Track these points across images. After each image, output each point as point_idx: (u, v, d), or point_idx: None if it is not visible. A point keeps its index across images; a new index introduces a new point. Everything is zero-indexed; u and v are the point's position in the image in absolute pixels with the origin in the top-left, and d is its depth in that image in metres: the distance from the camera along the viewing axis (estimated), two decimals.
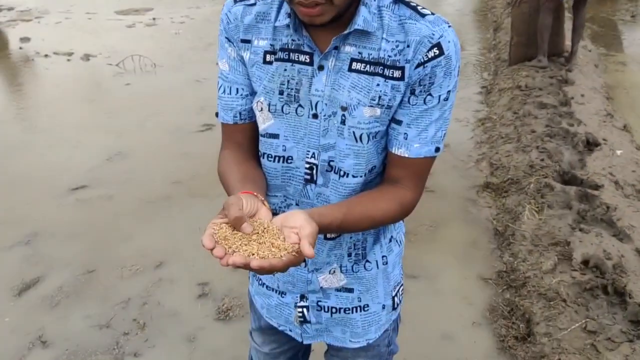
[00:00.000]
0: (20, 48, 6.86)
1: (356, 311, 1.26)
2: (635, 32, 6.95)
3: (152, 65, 5.90)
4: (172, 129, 4.44)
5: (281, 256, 0.84)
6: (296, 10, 0.95)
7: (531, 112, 4.00)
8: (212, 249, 0.84)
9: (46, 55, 6.40)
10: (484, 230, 3.05)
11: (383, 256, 1.23)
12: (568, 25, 5.05)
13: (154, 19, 8.09)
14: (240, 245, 0.85)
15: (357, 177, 1.09)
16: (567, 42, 4.98)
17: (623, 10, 7.84)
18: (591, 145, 3.56)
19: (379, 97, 1.01)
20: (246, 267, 0.83)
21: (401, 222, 1.29)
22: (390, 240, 1.25)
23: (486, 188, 3.41)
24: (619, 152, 3.52)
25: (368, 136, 1.04)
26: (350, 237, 1.18)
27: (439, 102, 1.02)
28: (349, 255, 1.20)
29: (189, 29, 7.52)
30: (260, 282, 1.32)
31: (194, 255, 2.89)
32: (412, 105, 1.02)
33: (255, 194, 0.97)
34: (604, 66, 5.55)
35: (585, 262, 2.54)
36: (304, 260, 0.99)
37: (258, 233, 0.87)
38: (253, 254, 0.84)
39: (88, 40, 6.97)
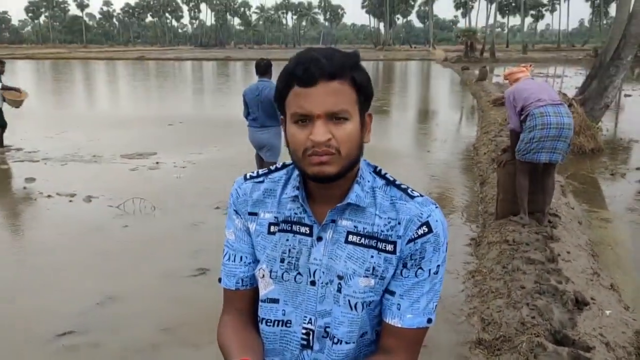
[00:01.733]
0: (24, 188, 7.10)
1: None
2: (616, 188, 7.29)
3: (152, 207, 6.08)
4: (166, 273, 4.47)
5: None
6: (308, 165, 1.05)
7: (520, 268, 4.08)
8: None
9: (49, 196, 6.60)
10: None
11: None
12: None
13: (157, 162, 8.48)
14: None
15: (349, 343, 1.14)
16: (553, 200, 5.22)
17: (602, 168, 8.31)
18: (580, 304, 3.59)
19: (373, 268, 1.10)
20: None
21: None
22: None
23: (478, 345, 3.38)
24: (608, 312, 3.55)
25: (362, 305, 1.12)
26: None
27: (429, 275, 1.11)
28: None
29: (190, 174, 7.85)
30: None
31: None
32: (404, 277, 1.11)
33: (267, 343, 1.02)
34: (587, 222, 5.76)
35: None
36: None
37: None
38: None
39: (92, 182, 7.24)
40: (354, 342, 1.14)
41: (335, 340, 1.14)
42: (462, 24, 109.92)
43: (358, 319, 1.13)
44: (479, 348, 3.36)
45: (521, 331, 3.30)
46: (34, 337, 3.49)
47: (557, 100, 4.73)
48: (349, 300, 1.12)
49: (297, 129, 1.04)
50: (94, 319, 3.74)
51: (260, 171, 1.25)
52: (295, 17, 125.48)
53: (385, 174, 1.18)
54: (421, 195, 1.14)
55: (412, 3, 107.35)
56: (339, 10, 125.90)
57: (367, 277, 1.11)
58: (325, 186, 1.09)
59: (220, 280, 1.27)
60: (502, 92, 14.85)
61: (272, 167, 1.25)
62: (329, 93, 1.01)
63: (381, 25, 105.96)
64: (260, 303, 1.21)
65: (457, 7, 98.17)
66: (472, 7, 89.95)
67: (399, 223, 1.10)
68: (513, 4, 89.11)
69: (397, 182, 1.16)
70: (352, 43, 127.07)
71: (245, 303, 1.24)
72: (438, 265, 1.12)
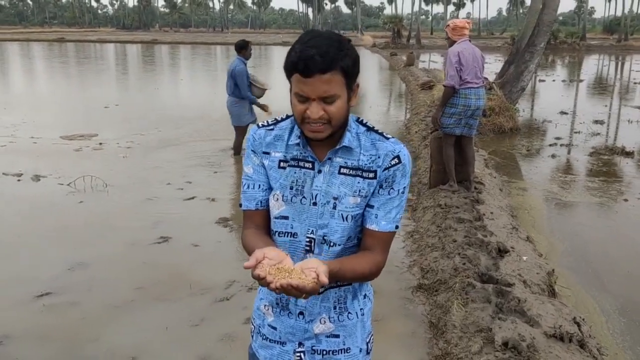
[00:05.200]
0: None
1: (341, 353, 1.67)
2: (532, 163, 8.17)
3: (104, 185, 6.24)
4: (130, 241, 4.74)
5: (307, 283, 1.30)
6: (305, 129, 1.48)
7: (451, 226, 4.69)
8: (264, 277, 1.29)
9: None
10: (420, 323, 3.53)
11: (360, 309, 1.69)
12: (476, 156, 6.01)
13: (100, 143, 8.53)
14: (279, 277, 1.31)
15: (340, 245, 1.58)
16: (476, 170, 5.91)
17: (519, 145, 9.20)
18: (502, 252, 4.24)
19: (359, 190, 1.55)
20: (287, 286, 1.28)
21: (370, 286, 1.77)
22: (364, 297, 1.71)
23: (419, 288, 3.94)
24: (524, 258, 4.22)
25: (351, 217, 1.56)
26: (335, 293, 1.63)
27: (398, 194, 1.57)
28: (334, 308, 1.64)
29: (136, 153, 8.00)
30: (264, 337, 1.72)
31: (165, 350, 3.14)
32: (380, 195, 1.56)
33: (280, 249, 1.44)
34: (507, 191, 6.50)
35: (505, 344, 3.05)
36: (319, 292, 1.41)
37: (288, 271, 1.33)
38: (290, 280, 1.29)
39: (37, 163, 7.26)
40: (343, 244, 1.59)
41: (331, 244, 1.58)
42: (388, 10, 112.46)
43: (347, 228, 1.57)
44: (419, 291, 3.93)
45: (454, 275, 3.89)
46: (14, 299, 3.71)
47: (479, 81, 5.39)
48: (341, 214, 1.56)
49: (297, 102, 1.47)
50: (68, 281, 3.99)
51: (270, 121, 1.66)
52: (222, 0, 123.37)
53: (366, 122, 1.62)
54: (393, 137, 1.60)
55: None
56: None
57: (354, 196, 1.55)
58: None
59: (240, 205, 1.68)
60: (428, 77, 15.72)
61: (279, 117, 1.66)
62: (322, 83, 1.42)
63: (309, 10, 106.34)
64: (273, 220, 1.63)
65: None
66: None
67: (379, 157, 1.55)
68: None
69: (375, 128, 1.61)
70: (280, 28, 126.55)
71: (262, 220, 1.65)
72: (404, 187, 1.58)
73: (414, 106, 12.15)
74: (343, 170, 1.54)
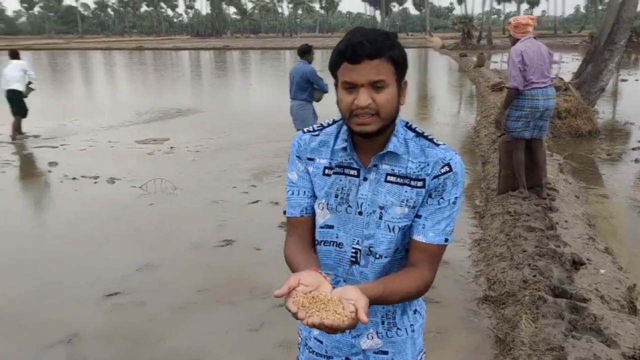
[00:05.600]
0: (49, 171, 7.46)
1: None
2: (613, 168, 7.68)
3: (173, 187, 6.44)
4: (195, 244, 4.85)
5: (343, 320, 1.20)
6: (353, 123, 1.40)
7: (521, 235, 4.47)
8: (295, 313, 1.21)
9: (74, 178, 6.96)
10: (485, 337, 3.37)
11: (410, 324, 1.60)
12: (550, 161, 5.71)
13: (171, 147, 8.83)
14: (314, 311, 1.22)
15: (387, 258, 1.50)
16: (550, 175, 5.61)
17: (599, 149, 8.68)
18: (577, 264, 3.98)
19: (407, 199, 1.46)
20: (320, 325, 1.19)
21: (422, 300, 1.67)
22: (415, 312, 1.62)
23: (485, 300, 3.77)
24: (602, 271, 3.94)
25: (399, 228, 1.48)
26: (383, 307, 1.55)
27: (448, 204, 1.47)
28: (383, 323, 1.57)
29: (204, 157, 8.21)
30: (310, 350, 1.67)
31: (224, 354, 3.16)
32: (429, 204, 1.47)
33: (319, 271, 1.35)
34: (585, 198, 6.14)
35: None
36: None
37: (324, 302, 1.23)
38: (323, 318, 1.20)
39: (112, 166, 7.60)
40: (390, 257, 1.51)
41: (377, 256, 1.50)
42: (457, 11, 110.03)
43: (394, 239, 1.49)
44: (485, 303, 3.76)
45: (523, 288, 3.69)
46: (85, 297, 3.87)
47: (546, 80, 5.10)
48: (388, 225, 1.48)
49: (345, 94, 1.40)
50: (136, 282, 4.12)
51: (315, 126, 1.60)
52: (290, 5, 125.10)
53: (415, 127, 1.53)
54: (444, 144, 1.50)
55: None
56: None
57: (401, 206, 1.47)
58: (368, 139, 1.45)
59: (284, 212, 1.64)
60: (500, 78, 15.21)
61: (325, 123, 1.61)
62: (371, 68, 1.36)
63: (377, 13, 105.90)
64: (318, 229, 1.57)
65: None
66: None
67: (428, 164, 1.46)
68: None
69: (425, 134, 1.52)
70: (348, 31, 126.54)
71: (305, 228, 1.59)
72: (456, 197, 1.47)
73: (483, 108, 11.77)
74: (390, 178, 1.46)
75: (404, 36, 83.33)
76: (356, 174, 1.49)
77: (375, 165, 1.47)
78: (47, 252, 4.73)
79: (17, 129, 9.73)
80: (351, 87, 1.37)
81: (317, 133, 1.56)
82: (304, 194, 1.56)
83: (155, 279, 4.20)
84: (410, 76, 24.86)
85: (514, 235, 4.52)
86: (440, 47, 45.13)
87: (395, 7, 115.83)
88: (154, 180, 6.59)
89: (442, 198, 1.45)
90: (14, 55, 10.02)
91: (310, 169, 1.54)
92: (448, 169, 1.44)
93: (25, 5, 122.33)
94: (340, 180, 1.50)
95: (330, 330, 1.20)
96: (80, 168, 7.44)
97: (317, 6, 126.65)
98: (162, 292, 3.98)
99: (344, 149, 1.49)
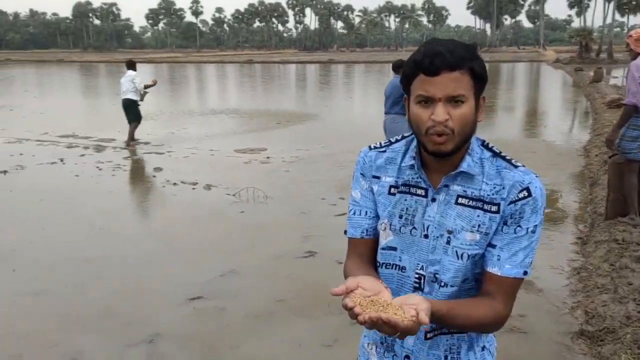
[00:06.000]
0: (154, 176, 7.94)
1: None
2: None
3: (264, 196, 6.58)
4: (278, 253, 4.89)
5: (402, 320, 1.10)
6: (427, 141, 1.29)
7: (628, 266, 4.04)
8: (352, 308, 1.12)
9: (175, 184, 7.35)
10: None
11: None
12: None
13: (267, 157, 9.06)
14: (371, 310, 1.12)
15: (454, 287, 1.37)
16: None
17: None
18: None
19: (479, 225, 1.32)
20: (377, 320, 1.09)
21: (492, 336, 1.52)
22: (483, 349, 1.46)
23: (581, 335, 3.43)
24: None
25: (468, 256, 1.34)
26: (447, 340, 1.41)
27: (527, 233, 1.31)
28: (446, 357, 1.42)
29: (298, 168, 8.33)
30: None
31: None
32: (504, 233, 1.32)
33: (379, 279, 1.27)
34: None
35: None
36: (419, 333, 1.23)
37: (383, 305, 1.14)
38: (381, 313, 1.10)
39: (210, 173, 7.94)
40: (457, 286, 1.37)
41: (442, 284, 1.37)
42: (576, 23, 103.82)
43: (463, 267, 1.35)
44: (581, 338, 3.42)
45: (626, 324, 3.32)
46: (170, 299, 4.02)
47: None
48: (456, 251, 1.34)
49: (420, 108, 1.29)
50: (219, 287, 4.22)
51: (382, 142, 1.50)
52: (398, 19, 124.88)
53: (492, 147, 1.40)
54: (523, 166, 1.35)
55: (522, 3, 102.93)
56: (443, 12, 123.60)
57: (472, 232, 1.33)
58: (440, 158, 1.33)
59: (345, 232, 1.55)
60: (619, 94, 14.08)
61: (392, 139, 1.50)
62: (449, 81, 1.25)
63: (487, 26, 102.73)
64: (380, 250, 1.46)
65: (570, 6, 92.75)
66: (588, 5, 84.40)
67: (503, 188, 1.32)
68: (634, 2, 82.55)
69: (502, 154, 1.38)
70: None
71: (367, 249, 1.50)
72: (535, 225, 1.32)
73: (597, 126, 10.93)
74: (461, 200, 1.34)
75: (514, 50, 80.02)
76: (424, 193, 1.37)
77: (446, 186, 1.35)
78: (141, 253, 4.99)
79: (131, 136, 10.48)
80: (427, 101, 1.27)
81: (384, 149, 1.47)
82: (366, 214, 1.47)
83: (238, 285, 4.28)
84: (520, 91, 23.80)
85: (620, 265, 4.10)
86: (554, 61, 42.80)
87: (507, 20, 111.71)
88: (247, 188, 6.78)
89: (519, 226, 1.31)
90: (130, 66, 10.82)
91: (375, 187, 1.45)
92: (527, 194, 1.30)
93: (150, 21, 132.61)
94: (406, 200, 1.40)
95: (389, 327, 1.10)
96: (181, 174, 7.84)
97: (424, 20, 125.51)
98: (242, 299, 4.05)
99: (412, 166, 1.39)
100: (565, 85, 25.17)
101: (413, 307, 1.14)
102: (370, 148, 1.50)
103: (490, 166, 1.35)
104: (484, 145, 1.39)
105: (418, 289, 1.40)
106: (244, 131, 12.15)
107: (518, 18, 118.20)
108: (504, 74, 36.19)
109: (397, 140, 1.47)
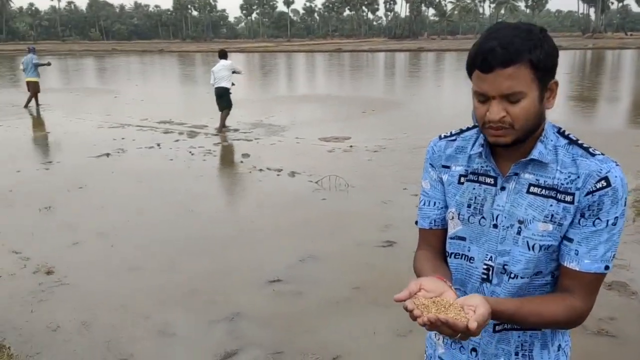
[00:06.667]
0: (242, 162, 8.24)
1: None
2: None
3: (346, 185, 6.64)
4: (358, 241, 4.93)
5: (462, 321, 1.09)
6: (486, 133, 1.28)
7: None
8: (411, 310, 1.13)
9: (261, 170, 7.59)
10: None
11: None
12: None
13: (351, 146, 9.11)
14: (432, 311, 1.13)
15: (524, 279, 1.32)
16: None
17: None
18: None
19: (552, 215, 1.27)
20: (436, 321, 1.09)
21: (568, 335, 1.46)
22: (558, 349, 1.40)
23: None
24: None
25: (540, 247, 1.29)
26: (519, 336, 1.37)
27: (607, 225, 1.25)
28: (516, 354, 1.38)
29: (380, 157, 8.31)
30: None
31: (368, 355, 3.17)
32: (582, 226, 1.26)
33: (443, 279, 1.25)
34: None
35: None
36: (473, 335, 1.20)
37: (445, 306, 1.14)
38: (439, 315, 1.11)
39: (295, 160, 8.11)
40: (528, 278, 1.32)
41: (512, 275, 1.33)
42: None
43: (534, 258, 1.30)
44: None
45: None
46: (251, 281, 4.19)
47: None
48: (527, 242, 1.30)
49: (478, 103, 1.26)
50: (298, 272, 4.33)
51: (454, 131, 1.48)
52: (493, 5, 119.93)
53: (569, 134, 1.33)
54: (602, 154, 1.27)
55: None
56: None
57: (545, 222, 1.27)
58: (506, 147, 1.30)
59: (416, 222, 1.54)
60: None
61: (464, 127, 1.48)
62: (503, 78, 1.19)
63: (592, 10, 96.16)
64: (449, 240, 1.45)
65: None
66: None
67: (579, 177, 1.25)
68: None
69: (579, 142, 1.30)
70: (555, 31, 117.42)
71: (436, 240, 1.49)
72: (616, 217, 1.24)
73: None
74: (533, 189, 1.29)
75: (621, 36, 74.42)
76: (493, 182, 1.34)
77: (516, 174, 1.31)
78: (226, 235, 5.22)
79: (223, 123, 10.91)
80: (483, 97, 1.24)
81: (454, 138, 1.45)
82: (434, 205, 1.46)
83: (316, 271, 4.37)
84: (625, 81, 22.15)
85: None
86: None
87: (614, 4, 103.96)
88: (329, 176, 6.86)
89: (598, 219, 1.25)
90: (223, 55, 11.23)
91: (445, 177, 1.43)
92: (605, 184, 1.23)
93: (244, 12, 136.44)
94: (474, 188, 1.37)
95: (448, 328, 1.10)
96: (267, 161, 8.07)
97: (522, 5, 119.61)
98: (320, 284, 4.13)
99: (480, 154, 1.36)
100: None
101: (472, 309, 1.13)
102: (440, 137, 1.48)
103: (566, 154, 1.29)
104: (560, 132, 1.33)
105: (486, 280, 1.37)
106: (329, 119, 12.26)
107: (626, 2, 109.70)
108: (608, 62, 33.78)
109: (468, 129, 1.45)
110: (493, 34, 1.22)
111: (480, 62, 1.21)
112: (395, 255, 4.63)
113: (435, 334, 1.54)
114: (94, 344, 3.36)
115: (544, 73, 1.22)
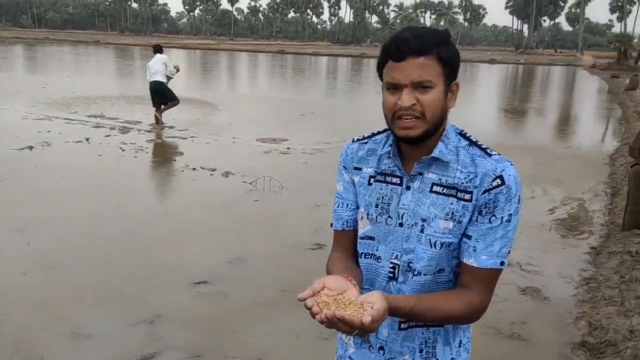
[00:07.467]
0: (174, 160, 8.06)
1: None
2: None
3: (280, 186, 6.62)
4: (288, 243, 4.93)
5: (358, 317, 1.12)
6: (396, 127, 1.32)
7: (638, 279, 3.96)
8: (310, 307, 1.16)
9: (194, 169, 7.45)
10: None
11: (452, 359, 1.45)
12: None
13: (288, 148, 9.10)
14: (332, 309, 1.15)
15: (427, 275, 1.37)
16: None
17: None
18: None
19: (452, 213, 1.33)
20: (332, 318, 1.12)
21: (470, 333, 1.51)
22: (459, 345, 1.46)
23: (581, 346, 3.38)
24: None
25: (442, 244, 1.34)
26: (422, 333, 1.42)
27: (501, 222, 1.31)
28: (420, 351, 1.43)
29: (316, 160, 8.36)
30: None
31: (289, 357, 3.16)
32: (479, 223, 1.32)
33: (348, 278, 1.28)
34: None
35: None
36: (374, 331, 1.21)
37: (345, 304, 1.17)
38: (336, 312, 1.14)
39: (230, 160, 8.01)
40: (431, 275, 1.37)
41: (416, 272, 1.38)
42: (617, 28, 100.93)
43: (436, 256, 1.35)
44: (581, 349, 3.38)
45: (627, 338, 3.26)
46: (175, 282, 4.09)
47: None
48: (429, 239, 1.35)
49: (388, 95, 1.31)
50: (225, 273, 4.28)
51: (366, 134, 1.53)
52: (434, 16, 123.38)
53: (470, 136, 1.40)
54: (498, 154, 1.35)
55: (562, 5, 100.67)
56: (480, 10, 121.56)
57: (446, 220, 1.33)
58: (413, 145, 1.34)
59: (332, 225, 1.57)
60: None
61: (375, 131, 1.52)
62: (415, 67, 1.26)
63: (525, 27, 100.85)
64: (359, 240, 1.48)
65: (612, 11, 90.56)
66: (630, 10, 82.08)
67: (476, 176, 1.32)
68: None
69: (478, 143, 1.38)
70: (490, 45, 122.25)
71: (348, 242, 1.52)
72: (510, 214, 1.31)
73: (626, 135, 10.68)
74: (436, 189, 1.35)
75: (551, 52, 78.43)
76: (399, 182, 1.39)
77: (420, 174, 1.36)
78: (153, 234, 5.09)
79: (160, 114, 10.64)
80: (394, 87, 1.29)
81: (366, 141, 1.50)
82: (347, 206, 1.50)
83: (243, 272, 4.33)
84: (551, 95, 23.35)
85: (630, 278, 4.03)
86: (590, 67, 41.80)
87: (546, 22, 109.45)
88: (264, 177, 6.83)
89: (494, 216, 1.31)
90: (158, 49, 10.97)
91: (357, 179, 1.47)
92: (500, 182, 1.30)
93: (187, 7, 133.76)
94: (382, 188, 1.42)
95: (345, 325, 1.13)
96: (201, 160, 7.92)
97: (460, 18, 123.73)
98: (247, 286, 4.09)
99: (389, 154, 1.40)
100: (600, 92, 24.59)
101: (370, 306, 1.16)
102: (353, 140, 1.53)
103: (466, 154, 1.35)
104: (461, 134, 1.40)
105: (392, 278, 1.41)
106: (268, 121, 12.21)
107: (557, 20, 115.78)
108: (539, 77, 35.51)
109: (379, 132, 1.50)
110: (405, 30, 1.30)
111: (394, 50, 1.27)
112: (325, 258, 4.60)
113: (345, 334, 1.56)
114: (1, 344, 3.19)
115: (450, 70, 1.30)
